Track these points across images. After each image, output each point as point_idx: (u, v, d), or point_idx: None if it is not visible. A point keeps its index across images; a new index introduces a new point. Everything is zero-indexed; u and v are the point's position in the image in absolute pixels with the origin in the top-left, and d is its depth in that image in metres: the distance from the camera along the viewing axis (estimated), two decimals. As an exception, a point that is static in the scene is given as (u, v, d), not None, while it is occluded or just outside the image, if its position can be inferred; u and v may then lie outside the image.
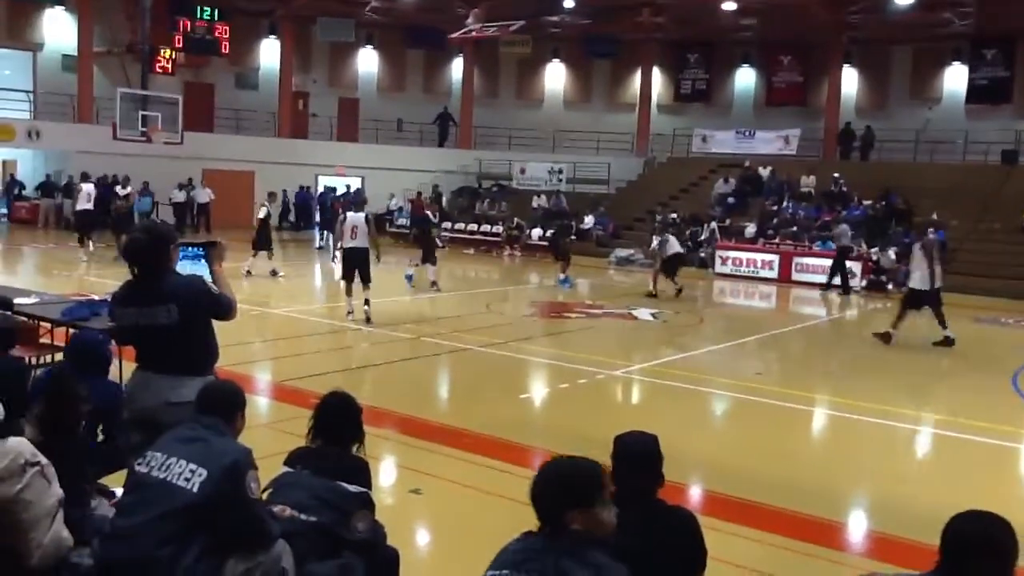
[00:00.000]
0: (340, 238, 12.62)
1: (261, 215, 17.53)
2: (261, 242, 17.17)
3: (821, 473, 6.78)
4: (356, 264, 12.18)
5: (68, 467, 3.33)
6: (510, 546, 2.60)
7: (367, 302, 12.21)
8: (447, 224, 27.85)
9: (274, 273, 17.09)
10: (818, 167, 26.93)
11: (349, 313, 12.34)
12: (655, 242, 17.54)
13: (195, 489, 3.02)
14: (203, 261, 4.45)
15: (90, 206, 19.16)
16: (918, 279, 12.34)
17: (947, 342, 12.21)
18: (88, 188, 19.47)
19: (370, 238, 12.22)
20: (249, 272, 16.62)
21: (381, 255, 12.72)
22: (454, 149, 32.60)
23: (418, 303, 14.99)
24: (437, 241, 17.25)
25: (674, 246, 17.51)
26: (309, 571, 3.22)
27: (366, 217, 12.42)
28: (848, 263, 19.22)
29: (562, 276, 18.27)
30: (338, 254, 13.49)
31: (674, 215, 25.71)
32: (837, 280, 19.07)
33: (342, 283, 12.53)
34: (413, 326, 12.23)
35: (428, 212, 18.93)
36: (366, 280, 12.22)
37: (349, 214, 12.58)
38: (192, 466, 3.07)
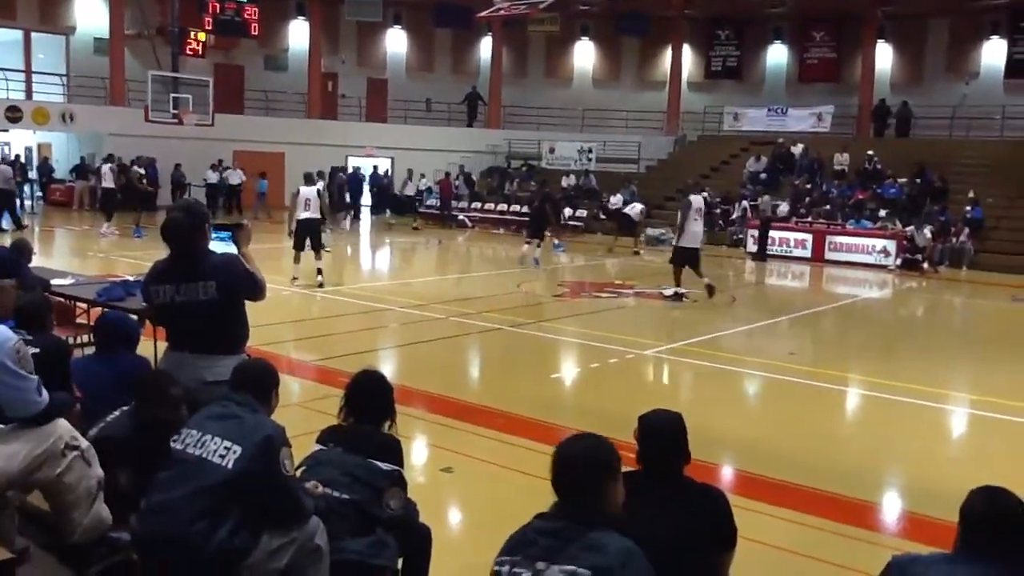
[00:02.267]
0: (294, 211, 13.63)
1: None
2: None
3: (855, 453, 6.71)
4: (308, 234, 13.25)
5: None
6: (522, 529, 2.51)
7: (319, 271, 13.24)
8: (476, 204, 27.91)
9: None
10: (852, 144, 26.55)
11: (295, 279, 13.25)
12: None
13: (230, 465, 3.04)
14: (230, 243, 4.48)
15: (111, 185, 20.42)
16: (690, 237, 12.98)
17: (711, 290, 12.87)
18: (106, 169, 20.72)
19: (321, 209, 13.51)
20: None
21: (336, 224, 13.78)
22: (483, 129, 32.50)
23: (446, 283, 14.98)
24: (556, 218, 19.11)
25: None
26: (342, 548, 3.23)
27: (317, 191, 13.61)
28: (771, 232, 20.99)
29: (556, 242, 20.34)
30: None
31: (705, 193, 25.47)
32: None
33: (294, 252, 13.40)
34: (443, 306, 12.26)
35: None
36: (317, 248, 13.29)
37: (301, 188, 13.60)
38: (227, 443, 3.09)
